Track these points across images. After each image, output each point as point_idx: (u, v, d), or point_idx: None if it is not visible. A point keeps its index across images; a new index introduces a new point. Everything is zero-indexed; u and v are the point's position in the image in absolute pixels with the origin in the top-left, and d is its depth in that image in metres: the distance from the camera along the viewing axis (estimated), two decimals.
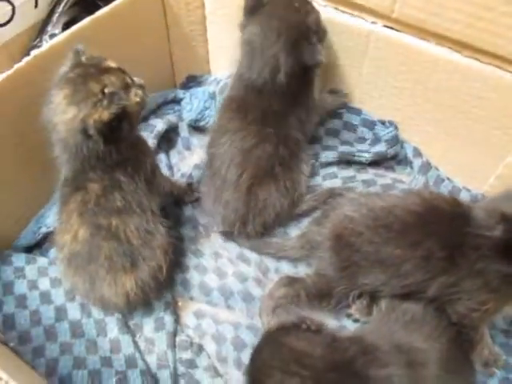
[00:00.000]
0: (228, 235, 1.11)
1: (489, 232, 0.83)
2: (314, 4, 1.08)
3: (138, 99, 0.88)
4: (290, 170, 1.09)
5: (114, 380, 0.92)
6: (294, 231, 1.12)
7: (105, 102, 0.82)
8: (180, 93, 1.37)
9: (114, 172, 0.91)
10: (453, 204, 0.91)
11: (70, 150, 0.86)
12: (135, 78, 0.90)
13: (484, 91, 1.00)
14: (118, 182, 0.92)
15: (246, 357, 0.94)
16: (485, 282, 0.87)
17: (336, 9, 1.10)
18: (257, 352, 0.79)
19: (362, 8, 1.06)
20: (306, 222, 1.12)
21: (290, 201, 1.10)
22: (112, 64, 0.88)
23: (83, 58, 0.87)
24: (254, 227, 1.08)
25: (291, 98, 1.07)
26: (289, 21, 1.03)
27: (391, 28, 1.06)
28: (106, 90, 0.83)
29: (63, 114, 0.83)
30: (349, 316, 0.99)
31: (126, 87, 0.87)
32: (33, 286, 1.01)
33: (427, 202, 0.92)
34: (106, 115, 0.82)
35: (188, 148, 1.30)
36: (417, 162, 1.18)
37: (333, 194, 1.11)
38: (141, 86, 0.90)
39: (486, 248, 0.84)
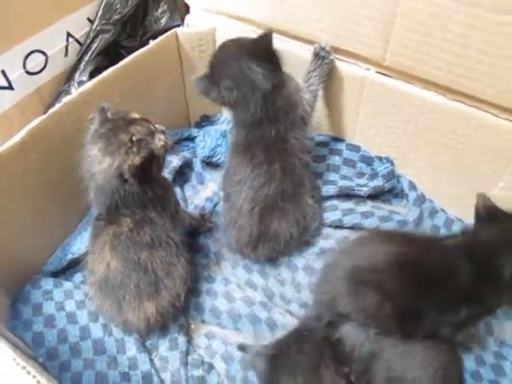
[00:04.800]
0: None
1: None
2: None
3: (162, 143, 0.96)
4: (295, 203, 1.15)
5: None
6: (299, 260, 1.19)
7: (135, 149, 0.91)
8: (194, 131, 1.47)
9: (145, 209, 1.00)
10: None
11: (107, 193, 0.95)
12: (157, 125, 0.99)
13: (468, 129, 1.07)
14: (148, 218, 1.00)
15: (252, 376, 1.00)
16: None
17: (335, 57, 1.19)
18: None
19: (357, 57, 1.16)
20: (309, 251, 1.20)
21: (298, 230, 1.16)
22: (136, 115, 0.97)
23: (109, 114, 0.96)
24: (263, 250, 1.16)
25: (284, 118, 1.11)
26: (240, 57, 1.05)
27: (383, 74, 1.15)
28: (134, 138, 0.91)
29: (100, 164, 0.92)
30: None
31: (151, 134, 0.95)
32: (60, 307, 1.08)
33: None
34: (137, 160, 0.91)
35: (201, 182, 1.39)
36: (412, 195, 1.25)
37: None
38: (163, 132, 0.98)
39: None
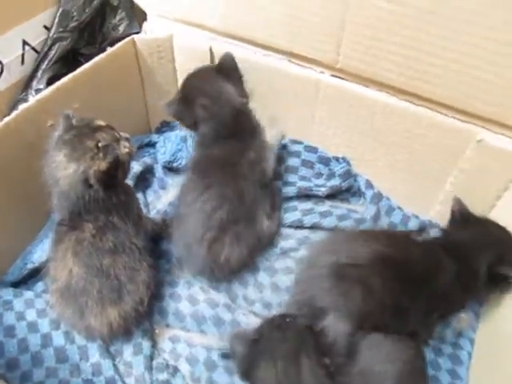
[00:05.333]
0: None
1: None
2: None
3: (127, 150, 0.98)
4: (249, 227, 1.14)
5: None
6: (260, 261, 1.19)
7: (101, 155, 0.93)
8: (155, 137, 1.47)
9: (108, 214, 1.01)
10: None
11: (71, 199, 0.96)
12: (121, 133, 1.00)
13: (419, 129, 1.11)
14: (111, 224, 1.01)
15: (217, 376, 1.02)
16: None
17: (290, 61, 1.22)
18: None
19: (311, 60, 1.18)
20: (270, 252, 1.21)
21: (252, 252, 1.16)
22: (101, 122, 0.98)
23: (74, 121, 0.97)
24: (221, 274, 1.15)
25: (240, 139, 1.16)
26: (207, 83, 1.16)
27: (337, 77, 1.18)
28: (100, 144, 0.93)
29: (65, 170, 0.93)
30: None
31: (116, 140, 0.97)
32: (20, 317, 1.06)
33: None
34: (103, 165, 0.92)
35: (163, 187, 1.38)
36: (369, 194, 1.27)
37: None
38: (127, 139, 1.00)
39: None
